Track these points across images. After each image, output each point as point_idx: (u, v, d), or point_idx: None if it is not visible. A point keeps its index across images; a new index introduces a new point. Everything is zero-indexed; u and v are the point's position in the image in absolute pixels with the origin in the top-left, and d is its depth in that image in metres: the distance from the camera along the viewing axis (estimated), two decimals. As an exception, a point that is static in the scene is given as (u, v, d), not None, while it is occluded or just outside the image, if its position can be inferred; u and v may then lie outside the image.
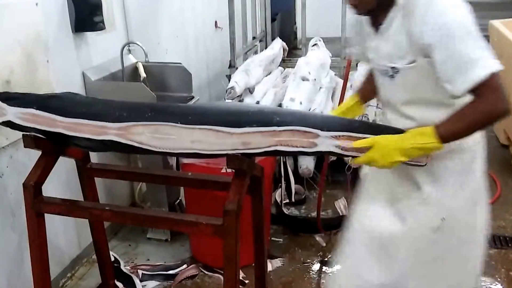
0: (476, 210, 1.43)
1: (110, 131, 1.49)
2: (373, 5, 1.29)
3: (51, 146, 1.64)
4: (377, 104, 3.08)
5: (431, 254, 1.42)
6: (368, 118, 2.94)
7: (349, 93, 3.37)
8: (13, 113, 1.59)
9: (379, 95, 1.48)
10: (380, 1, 1.28)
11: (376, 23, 1.34)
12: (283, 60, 4.07)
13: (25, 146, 1.63)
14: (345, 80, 2.34)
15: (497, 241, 2.52)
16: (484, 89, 1.18)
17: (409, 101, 1.34)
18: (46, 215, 1.69)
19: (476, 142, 1.39)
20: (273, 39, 4.31)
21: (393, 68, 1.31)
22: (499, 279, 2.26)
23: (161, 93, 2.55)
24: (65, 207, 1.70)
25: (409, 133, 1.27)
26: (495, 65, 1.18)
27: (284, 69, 3.90)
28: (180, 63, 2.65)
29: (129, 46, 2.60)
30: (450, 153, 1.34)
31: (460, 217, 1.40)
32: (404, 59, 1.28)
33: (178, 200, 2.65)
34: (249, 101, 3.12)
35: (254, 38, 4.26)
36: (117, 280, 2.23)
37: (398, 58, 1.29)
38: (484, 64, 1.17)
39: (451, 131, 1.24)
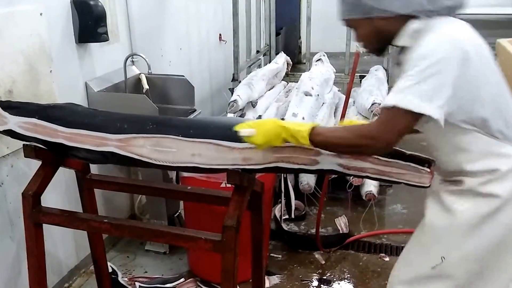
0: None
1: (111, 142, 1.48)
2: (378, 45, 1.29)
3: (51, 156, 1.64)
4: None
5: None
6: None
7: (351, 109, 3.38)
8: (14, 122, 1.59)
9: None
10: (382, 39, 1.26)
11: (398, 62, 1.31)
12: (286, 75, 4.08)
13: (25, 156, 1.63)
14: (347, 96, 2.33)
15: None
16: (382, 116, 1.18)
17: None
18: (44, 224, 1.69)
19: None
20: (277, 53, 4.33)
21: None
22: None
23: (164, 105, 2.55)
24: (64, 218, 1.69)
25: (290, 123, 1.29)
26: (411, 105, 1.12)
27: (288, 84, 3.91)
28: (183, 76, 2.65)
29: (132, 57, 2.61)
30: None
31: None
32: None
33: (178, 213, 2.64)
34: (251, 115, 3.12)
35: (258, 51, 4.28)
36: (114, 292, 2.21)
37: None
38: (403, 97, 1.13)
39: (324, 136, 1.24)
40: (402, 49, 1.27)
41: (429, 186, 1.32)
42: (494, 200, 1.24)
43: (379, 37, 1.26)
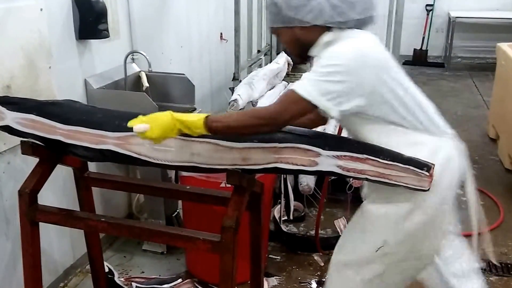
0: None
1: (109, 140, 1.47)
2: (299, 52, 1.43)
3: (49, 153, 1.62)
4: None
5: None
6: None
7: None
8: (12, 118, 1.57)
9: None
10: (302, 47, 1.40)
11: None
12: (287, 75, 4.06)
13: (22, 153, 1.62)
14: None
15: (499, 268, 2.46)
16: (283, 97, 1.33)
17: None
18: (41, 223, 1.66)
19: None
20: (278, 53, 4.31)
21: None
22: (500, 307, 2.21)
23: (164, 103, 2.53)
24: (60, 217, 1.67)
25: (185, 115, 1.34)
26: (309, 96, 1.27)
27: (288, 84, 3.89)
28: (183, 74, 2.64)
29: (133, 55, 2.59)
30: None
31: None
32: None
33: (176, 213, 2.62)
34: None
35: (259, 51, 4.25)
36: (110, 292, 2.19)
37: None
38: (302, 84, 1.29)
39: (221, 122, 1.33)
40: (315, 58, 1.40)
41: (428, 190, 1.31)
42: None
43: (299, 45, 1.40)
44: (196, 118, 1.31)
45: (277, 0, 1.34)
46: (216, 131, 1.33)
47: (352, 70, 1.28)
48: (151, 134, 1.30)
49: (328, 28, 1.35)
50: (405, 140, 1.38)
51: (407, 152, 1.35)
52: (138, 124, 1.32)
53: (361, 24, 1.36)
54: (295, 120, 1.33)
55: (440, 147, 1.42)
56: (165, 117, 1.32)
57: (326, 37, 1.35)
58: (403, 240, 1.44)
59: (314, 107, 1.29)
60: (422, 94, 1.48)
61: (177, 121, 1.31)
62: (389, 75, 1.35)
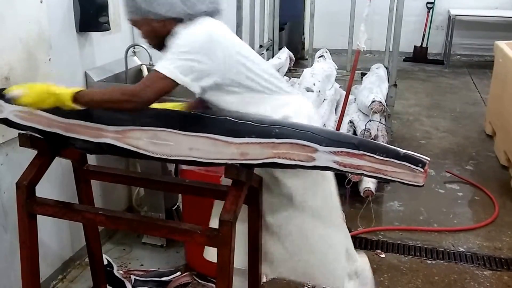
0: None
1: (108, 134, 1.48)
2: (156, 42, 1.52)
3: (47, 146, 1.62)
4: (380, 119, 3.06)
5: None
6: (370, 133, 2.91)
7: (352, 106, 3.37)
8: (10, 110, 1.58)
9: None
10: (159, 38, 1.49)
11: None
12: (289, 70, 4.06)
13: (20, 145, 1.62)
14: (347, 93, 2.32)
15: (493, 262, 2.48)
16: (147, 76, 1.43)
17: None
18: (40, 215, 1.67)
19: None
20: (280, 49, 4.31)
21: None
22: (495, 302, 2.23)
23: (164, 97, 2.52)
24: (58, 209, 1.67)
25: (60, 88, 1.43)
26: (171, 74, 1.37)
27: (290, 79, 3.89)
28: (184, 68, 2.63)
29: (134, 48, 2.59)
30: None
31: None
32: None
33: (176, 206, 2.62)
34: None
35: (261, 46, 4.25)
36: (109, 285, 2.20)
37: None
38: (163, 63, 1.38)
39: (89, 95, 1.44)
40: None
41: (423, 185, 1.32)
42: None
43: (156, 36, 1.50)
44: (66, 91, 1.40)
45: None
46: (82, 103, 1.41)
47: (205, 49, 1.40)
48: (25, 100, 1.41)
49: (180, 20, 1.45)
50: (273, 105, 1.52)
51: (279, 114, 1.50)
52: (15, 90, 1.42)
53: (208, 15, 1.48)
54: (159, 98, 1.42)
55: (301, 103, 1.62)
56: (41, 87, 1.43)
57: (179, 29, 1.45)
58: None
59: (176, 84, 1.39)
60: (268, 63, 1.67)
61: (51, 93, 1.40)
62: (239, 52, 1.49)
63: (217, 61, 1.42)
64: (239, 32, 3.51)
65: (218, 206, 1.76)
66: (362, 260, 1.89)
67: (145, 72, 2.55)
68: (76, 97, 1.40)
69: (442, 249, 2.59)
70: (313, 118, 1.64)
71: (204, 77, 1.41)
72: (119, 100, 1.39)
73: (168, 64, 1.38)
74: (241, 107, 1.51)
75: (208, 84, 1.43)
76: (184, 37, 1.41)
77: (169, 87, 1.39)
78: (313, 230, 1.66)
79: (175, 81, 1.38)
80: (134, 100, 1.38)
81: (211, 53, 1.40)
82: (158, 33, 1.49)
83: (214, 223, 1.68)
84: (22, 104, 1.42)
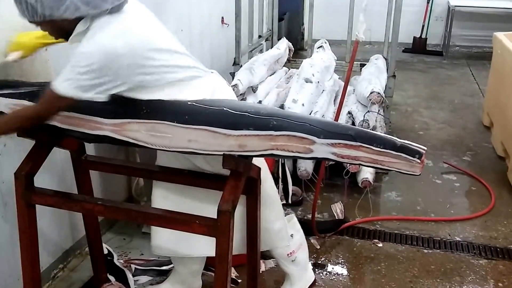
0: None
1: (105, 127, 1.48)
2: (60, 37, 1.51)
3: (45, 136, 1.62)
4: (379, 110, 3.07)
5: None
6: (368, 124, 2.92)
7: (351, 97, 3.37)
8: (4, 104, 1.58)
9: None
10: (63, 33, 1.48)
11: None
12: (288, 61, 4.06)
13: (18, 135, 1.61)
14: (346, 84, 2.32)
15: (488, 251, 2.51)
16: (47, 94, 1.42)
17: None
18: (40, 205, 1.68)
19: None
20: (279, 39, 4.30)
21: None
22: (489, 291, 2.26)
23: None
24: (57, 199, 1.68)
25: None
26: (72, 93, 1.38)
27: (289, 70, 3.88)
28: (182, 59, 2.62)
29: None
30: None
31: None
32: None
33: (175, 196, 2.63)
34: (251, 100, 3.10)
35: (260, 36, 4.24)
36: (109, 274, 2.22)
37: None
38: (62, 83, 1.38)
39: None
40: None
41: (419, 174, 1.34)
42: None
43: (60, 33, 1.48)
44: None
45: (30, 1, 1.37)
46: None
47: (103, 66, 1.36)
48: None
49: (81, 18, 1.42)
50: (193, 90, 1.53)
51: (198, 96, 1.50)
52: None
53: (114, 11, 1.42)
54: (62, 111, 1.49)
55: (216, 83, 1.67)
56: None
57: (79, 26, 1.42)
58: None
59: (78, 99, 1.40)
60: (182, 47, 1.67)
61: None
62: (152, 47, 1.46)
63: (120, 72, 1.39)
64: (238, 22, 3.50)
65: (158, 188, 1.87)
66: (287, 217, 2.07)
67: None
68: None
69: (439, 239, 2.62)
70: (233, 96, 1.74)
71: (110, 88, 1.40)
72: (24, 126, 1.53)
73: (67, 84, 1.37)
74: (166, 95, 1.49)
75: (116, 91, 1.43)
76: (81, 57, 1.38)
77: (71, 103, 1.42)
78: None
79: (78, 98, 1.39)
80: (38, 121, 1.50)
81: (111, 69, 1.37)
82: (64, 30, 1.46)
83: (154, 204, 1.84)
84: None
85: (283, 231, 1.97)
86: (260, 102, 3.11)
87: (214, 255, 1.50)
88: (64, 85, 1.38)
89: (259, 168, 1.70)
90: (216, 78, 1.71)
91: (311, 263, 2.40)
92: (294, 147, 1.37)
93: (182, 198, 1.83)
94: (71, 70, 1.38)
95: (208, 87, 1.59)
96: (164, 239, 1.89)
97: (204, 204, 1.70)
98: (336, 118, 2.39)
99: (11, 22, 1.62)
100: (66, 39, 1.49)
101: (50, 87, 1.40)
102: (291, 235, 2.03)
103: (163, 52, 1.51)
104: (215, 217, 1.46)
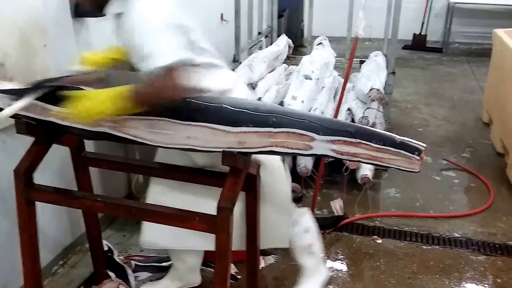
0: None
1: (104, 123, 1.47)
2: (95, 6, 1.54)
3: (44, 133, 1.62)
4: (378, 107, 3.07)
5: None
6: (368, 121, 2.93)
7: (350, 94, 3.37)
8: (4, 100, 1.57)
9: None
10: (98, 3, 1.50)
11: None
12: (287, 57, 4.06)
13: (17, 132, 1.61)
14: (345, 80, 2.32)
15: (487, 248, 2.52)
16: (162, 74, 1.33)
17: None
18: (40, 202, 1.68)
19: None
20: (279, 36, 4.29)
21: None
22: (486, 286, 2.26)
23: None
24: (56, 196, 1.68)
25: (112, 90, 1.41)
26: (169, 59, 1.32)
27: (289, 66, 3.88)
28: (182, 55, 2.62)
29: (131, 35, 2.57)
30: None
31: None
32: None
33: (174, 193, 2.64)
34: (251, 96, 3.10)
35: (259, 33, 4.24)
36: (109, 270, 2.22)
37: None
38: (159, 57, 1.33)
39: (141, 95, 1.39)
40: (118, 14, 1.48)
41: (418, 171, 1.34)
42: None
43: (96, 2, 1.51)
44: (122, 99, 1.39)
45: None
46: (140, 103, 1.41)
47: (168, 23, 1.40)
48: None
49: None
50: (215, 78, 1.60)
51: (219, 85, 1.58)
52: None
53: None
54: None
55: (235, 78, 1.77)
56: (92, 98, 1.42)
57: None
58: None
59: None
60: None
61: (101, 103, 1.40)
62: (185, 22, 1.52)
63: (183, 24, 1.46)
64: (237, 19, 3.50)
65: (156, 185, 1.88)
66: (300, 211, 2.07)
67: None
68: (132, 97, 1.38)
69: (438, 235, 2.63)
70: (248, 93, 1.78)
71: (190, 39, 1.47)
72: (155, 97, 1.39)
73: (161, 51, 1.34)
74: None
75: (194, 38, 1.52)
76: (131, 22, 1.38)
77: (184, 74, 1.37)
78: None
79: (183, 60, 1.35)
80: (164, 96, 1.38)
81: (174, 23, 1.41)
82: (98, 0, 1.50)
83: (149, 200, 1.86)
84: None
85: (286, 233, 1.96)
86: (259, 99, 3.11)
87: (205, 249, 1.50)
88: (166, 57, 1.33)
89: (259, 165, 1.70)
90: (234, 74, 1.77)
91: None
92: (293, 143, 1.37)
93: (181, 194, 1.83)
94: (154, 44, 1.35)
95: (229, 79, 1.64)
96: (154, 233, 1.90)
97: (202, 200, 1.70)
98: (336, 115, 2.40)
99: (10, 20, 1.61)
100: (99, 10, 1.52)
101: (157, 71, 1.32)
102: (308, 228, 2.03)
103: (195, 30, 1.56)
104: (214, 213, 1.46)
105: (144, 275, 2.28)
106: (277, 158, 1.82)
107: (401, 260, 2.43)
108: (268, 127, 1.37)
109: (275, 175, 1.83)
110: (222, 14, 4.00)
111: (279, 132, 1.36)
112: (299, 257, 2.07)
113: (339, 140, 1.34)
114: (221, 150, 1.44)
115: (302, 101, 2.97)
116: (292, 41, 4.14)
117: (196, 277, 2.17)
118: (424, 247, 2.53)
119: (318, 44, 3.88)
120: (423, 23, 6.71)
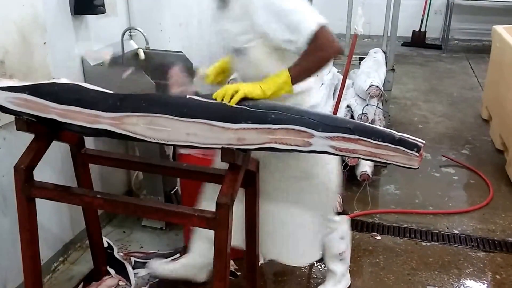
0: None
1: (104, 120, 1.48)
2: None
3: (44, 129, 1.63)
4: (377, 104, 3.07)
5: None
6: (367, 117, 2.93)
7: (350, 91, 3.37)
8: (4, 97, 1.57)
9: (236, 70, 1.76)
10: None
11: (223, 5, 1.58)
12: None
13: (17, 129, 1.61)
14: (344, 77, 2.32)
15: (486, 244, 2.53)
16: (316, 39, 1.45)
17: (258, 75, 1.55)
18: (40, 199, 1.69)
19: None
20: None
21: (240, 48, 1.57)
22: (485, 282, 2.27)
23: (161, 81, 2.53)
24: (56, 193, 1.69)
25: (268, 79, 1.51)
26: (318, 19, 1.47)
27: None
28: (181, 52, 2.63)
29: (130, 32, 2.58)
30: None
31: None
32: (248, 39, 1.54)
33: (175, 190, 2.64)
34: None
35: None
36: (109, 266, 2.23)
37: (243, 39, 1.55)
38: (310, 19, 1.46)
39: (298, 72, 1.50)
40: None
41: (418, 168, 1.34)
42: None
43: None
44: (282, 80, 1.51)
45: None
46: (296, 81, 1.52)
47: None
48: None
49: None
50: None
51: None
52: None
53: None
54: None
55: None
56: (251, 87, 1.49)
57: None
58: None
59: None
60: None
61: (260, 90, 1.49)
62: None
63: None
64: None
65: (209, 190, 1.83)
66: (340, 219, 2.04)
67: (142, 56, 2.54)
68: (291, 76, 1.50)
69: (437, 231, 2.63)
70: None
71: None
72: (318, 63, 1.52)
73: (314, 18, 1.46)
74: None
75: None
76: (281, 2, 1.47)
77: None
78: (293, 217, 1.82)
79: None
80: (328, 57, 1.51)
81: None
82: None
83: (202, 206, 1.80)
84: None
85: (319, 246, 1.97)
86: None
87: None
88: (314, 19, 1.46)
89: (258, 162, 1.70)
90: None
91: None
92: (292, 140, 1.37)
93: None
94: (286, 11, 1.46)
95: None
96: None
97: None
98: (335, 112, 2.40)
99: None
100: None
101: (311, 35, 1.45)
102: (344, 236, 2.03)
103: None
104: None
105: (144, 271, 2.28)
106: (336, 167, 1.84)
107: (400, 257, 2.43)
108: (267, 123, 1.37)
109: (329, 185, 1.84)
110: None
111: (278, 128, 1.36)
112: (330, 262, 2.08)
113: (338, 137, 1.34)
114: (220, 146, 1.44)
115: (302, 98, 2.96)
116: None
117: (204, 274, 2.13)
118: (424, 243, 2.54)
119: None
120: (422, 20, 6.70)
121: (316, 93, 1.77)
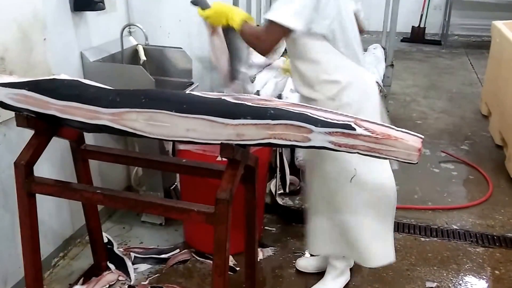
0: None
1: (103, 116, 1.48)
2: None
3: (44, 125, 1.63)
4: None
5: None
6: (367, 112, 2.92)
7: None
8: (4, 93, 1.57)
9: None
10: None
11: None
12: (285, 51, 4.04)
13: (17, 125, 1.62)
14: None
15: (485, 239, 2.54)
16: (265, 28, 1.63)
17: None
18: (40, 194, 1.69)
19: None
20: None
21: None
22: (484, 278, 2.28)
23: (161, 77, 2.53)
24: (56, 188, 1.69)
25: (235, 10, 1.72)
26: (281, 20, 1.58)
27: (287, 59, 3.87)
28: (181, 48, 2.63)
29: (129, 28, 2.58)
30: None
31: None
32: None
33: (174, 185, 2.65)
34: (249, 89, 3.10)
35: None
36: (109, 262, 2.24)
37: None
38: (278, 13, 1.59)
39: (244, 30, 1.68)
40: None
41: (417, 163, 1.34)
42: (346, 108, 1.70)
43: None
44: (238, 20, 1.69)
45: None
46: (239, 31, 1.70)
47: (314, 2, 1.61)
48: (207, 13, 1.77)
49: None
50: (335, 63, 1.73)
51: (357, 90, 1.76)
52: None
53: None
54: (275, 46, 1.66)
55: (364, 74, 1.85)
56: (222, 8, 1.73)
57: None
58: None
59: (287, 31, 1.61)
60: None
61: (226, 15, 1.71)
62: (343, 10, 1.69)
63: (327, 12, 1.63)
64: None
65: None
66: None
67: (141, 52, 2.54)
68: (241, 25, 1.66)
69: (436, 227, 2.64)
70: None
71: (308, 17, 1.60)
72: (251, 42, 1.69)
73: (278, 11, 1.58)
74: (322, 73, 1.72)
75: (319, 31, 1.66)
76: None
77: (282, 35, 1.63)
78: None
79: (287, 27, 1.59)
80: (258, 47, 1.68)
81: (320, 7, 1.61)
82: None
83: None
84: (203, 16, 1.76)
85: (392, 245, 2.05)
86: (258, 92, 3.10)
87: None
88: (275, 12, 1.58)
89: (257, 157, 1.71)
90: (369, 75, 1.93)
91: (308, 251, 2.43)
92: (291, 135, 1.37)
93: None
94: (285, 4, 1.59)
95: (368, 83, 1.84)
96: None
97: None
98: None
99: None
100: None
101: (267, 20, 1.59)
102: None
103: (348, 20, 1.77)
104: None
105: (143, 267, 2.29)
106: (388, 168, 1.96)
107: (399, 252, 2.44)
108: (267, 119, 1.37)
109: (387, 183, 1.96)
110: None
111: (277, 124, 1.37)
112: (332, 258, 2.11)
113: (337, 132, 1.34)
114: (219, 142, 1.44)
115: (301, 94, 2.96)
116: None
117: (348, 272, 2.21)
118: (423, 239, 2.55)
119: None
120: (422, 15, 6.70)
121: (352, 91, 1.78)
